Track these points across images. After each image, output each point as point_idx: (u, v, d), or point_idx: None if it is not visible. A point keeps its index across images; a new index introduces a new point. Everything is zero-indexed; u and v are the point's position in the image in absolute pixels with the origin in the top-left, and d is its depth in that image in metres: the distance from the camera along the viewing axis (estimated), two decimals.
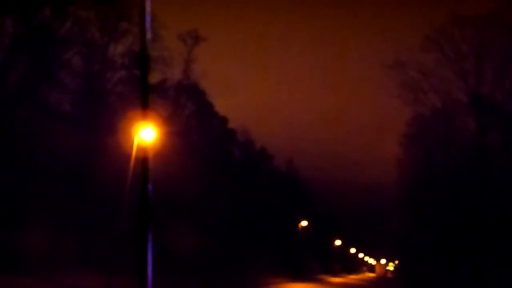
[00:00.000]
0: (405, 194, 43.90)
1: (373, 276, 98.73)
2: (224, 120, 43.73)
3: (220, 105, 41.81)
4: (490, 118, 31.99)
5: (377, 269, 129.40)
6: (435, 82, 34.44)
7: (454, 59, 32.87)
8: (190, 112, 38.02)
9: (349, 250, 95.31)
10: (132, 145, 18.58)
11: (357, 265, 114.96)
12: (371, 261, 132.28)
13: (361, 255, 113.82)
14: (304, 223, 56.28)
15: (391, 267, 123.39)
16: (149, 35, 8.53)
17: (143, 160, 8.75)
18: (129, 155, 18.91)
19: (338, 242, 78.96)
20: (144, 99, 8.54)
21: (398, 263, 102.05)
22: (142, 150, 9.87)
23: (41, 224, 22.34)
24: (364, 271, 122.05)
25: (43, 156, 23.78)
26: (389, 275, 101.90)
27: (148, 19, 8.55)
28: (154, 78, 27.26)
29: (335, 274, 75.07)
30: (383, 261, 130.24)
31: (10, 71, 24.14)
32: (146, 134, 10.05)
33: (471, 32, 32.30)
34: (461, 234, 32.53)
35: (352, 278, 76.84)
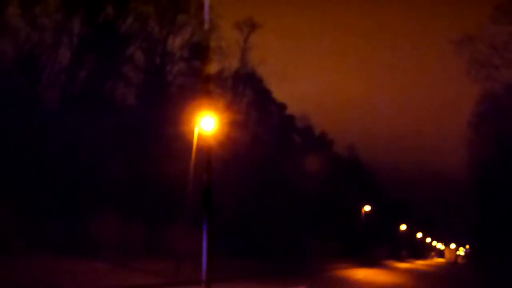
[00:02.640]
0: (477, 176, 41.66)
1: (443, 262, 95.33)
2: (282, 106, 43.64)
3: (278, 92, 41.76)
4: None
5: (447, 254, 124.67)
6: (507, 56, 32.16)
7: None
8: (249, 100, 38.30)
9: (415, 235, 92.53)
10: (192, 135, 19.05)
11: (425, 250, 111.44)
12: (440, 246, 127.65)
13: (428, 239, 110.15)
14: (367, 208, 55.26)
15: (461, 252, 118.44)
16: (207, 26, 8.67)
17: (205, 149, 8.97)
18: (191, 145, 19.41)
19: (403, 227, 76.81)
20: (205, 88, 8.73)
21: (470, 248, 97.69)
22: (203, 139, 10.12)
23: (114, 214, 23.68)
24: (432, 256, 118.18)
25: (110, 149, 24.98)
26: (459, 260, 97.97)
27: (206, 9, 8.68)
28: (212, 68, 27.70)
29: (401, 260, 73.25)
30: (452, 245, 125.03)
31: (79, 70, 25.52)
32: (206, 123, 10.29)
33: None
34: None
35: (420, 263, 74.65)
